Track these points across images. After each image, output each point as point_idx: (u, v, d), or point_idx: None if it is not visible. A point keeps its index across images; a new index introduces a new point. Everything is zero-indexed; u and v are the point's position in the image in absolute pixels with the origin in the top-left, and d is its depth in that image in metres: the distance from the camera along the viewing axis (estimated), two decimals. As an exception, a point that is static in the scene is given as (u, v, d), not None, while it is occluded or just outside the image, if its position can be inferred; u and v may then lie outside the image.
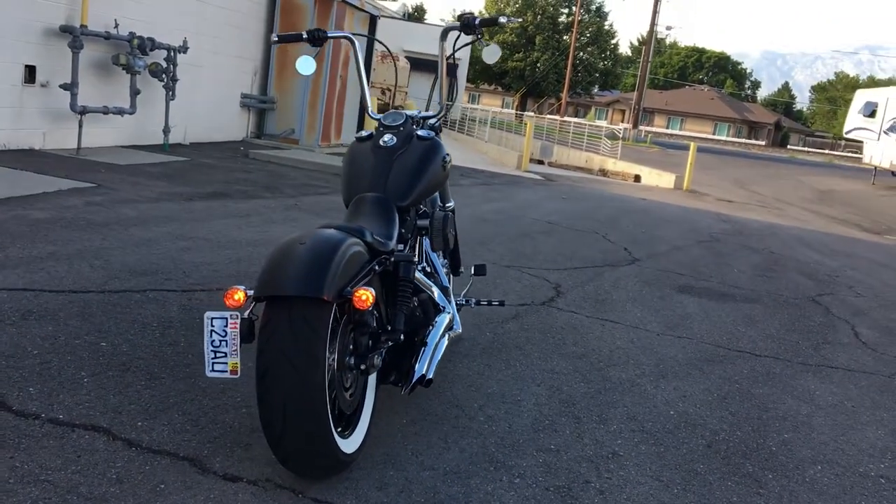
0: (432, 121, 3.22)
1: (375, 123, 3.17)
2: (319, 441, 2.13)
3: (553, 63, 42.11)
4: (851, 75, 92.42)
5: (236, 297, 2.19)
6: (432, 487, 2.36)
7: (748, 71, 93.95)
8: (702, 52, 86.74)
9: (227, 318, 2.18)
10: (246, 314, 2.21)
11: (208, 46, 10.39)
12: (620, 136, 23.38)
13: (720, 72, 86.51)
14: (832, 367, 4.32)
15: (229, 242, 5.22)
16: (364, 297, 2.13)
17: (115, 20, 8.36)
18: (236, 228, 5.72)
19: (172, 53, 9.20)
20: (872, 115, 26.56)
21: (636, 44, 76.22)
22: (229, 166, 9.12)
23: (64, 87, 7.81)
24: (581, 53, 45.13)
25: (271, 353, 2.07)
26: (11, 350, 2.95)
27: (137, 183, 6.96)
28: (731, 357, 4.27)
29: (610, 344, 4.18)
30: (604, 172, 20.51)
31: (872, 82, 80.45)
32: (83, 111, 7.97)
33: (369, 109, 3.33)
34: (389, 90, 27.23)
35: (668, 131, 66.40)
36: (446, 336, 2.81)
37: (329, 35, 3.27)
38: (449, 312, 2.88)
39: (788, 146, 70.74)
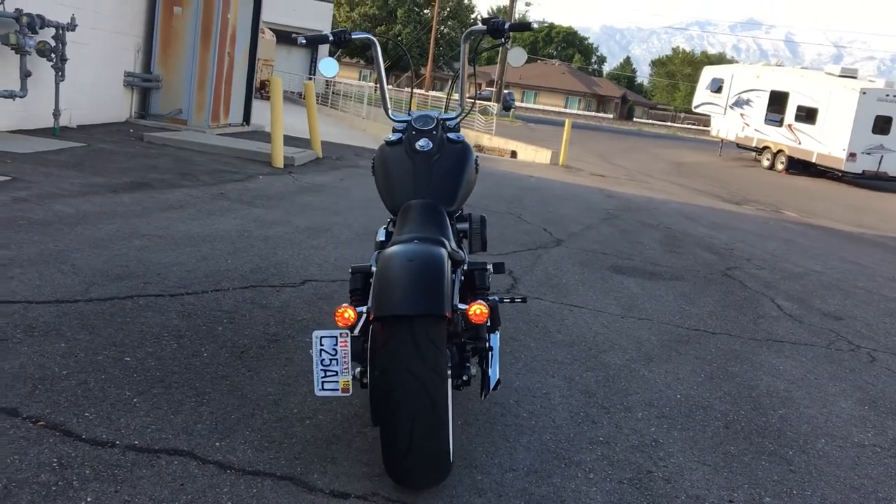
0: (452, 122, 3.25)
1: (398, 124, 3.16)
2: (443, 455, 2.18)
3: (416, 37, 42.17)
4: (686, 50, 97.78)
5: (346, 315, 2.19)
6: (523, 489, 2.46)
7: (595, 46, 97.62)
8: (551, 27, 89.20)
9: (336, 337, 2.19)
10: (356, 331, 2.22)
11: (90, 22, 9.75)
12: (494, 112, 23.85)
13: (568, 46, 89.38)
14: (778, 342, 4.72)
15: (183, 239, 5.03)
16: (479, 312, 2.20)
17: (1, -5, 7.73)
18: (180, 222, 5.50)
19: (61, 31, 8.59)
20: (719, 90, 28.39)
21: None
22: (129, 151, 8.66)
23: (-49, 68, 7.16)
24: (442, 27, 45.44)
25: (398, 372, 2.09)
26: (39, 372, 2.78)
27: (50, 174, 6.52)
28: (694, 336, 4.58)
29: (588, 330, 4.38)
30: (480, 148, 20.88)
31: (706, 57, 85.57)
32: (-27, 95, 7.35)
33: (389, 112, 3.31)
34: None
35: (524, 105, 68.01)
36: (496, 337, 2.89)
37: (353, 36, 3.22)
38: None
39: (634, 119, 74.27)
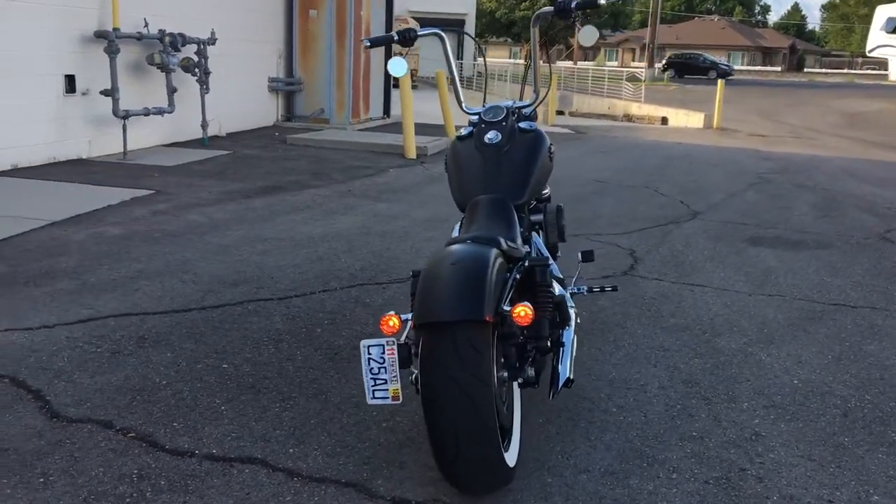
0: (527, 110, 3.16)
1: (472, 117, 3.13)
2: (492, 461, 2.13)
3: (562, 9, 41.29)
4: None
5: (391, 323, 2.17)
6: (595, 492, 2.36)
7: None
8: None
9: (383, 345, 2.18)
10: (402, 339, 2.20)
11: (231, 34, 10.29)
12: (643, 78, 23.07)
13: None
14: (931, 313, 4.26)
15: (303, 240, 5.21)
16: (524, 314, 2.11)
17: (145, 19, 8.28)
18: (303, 224, 5.71)
19: (202, 46, 9.12)
20: (895, 31, 25.99)
21: (640, -21, 74.59)
22: (271, 155, 9.09)
23: (105, 93, 7.78)
24: (588, -4, 44.21)
25: (440, 380, 2.06)
26: (141, 383, 2.97)
27: (192, 184, 6.96)
28: (829, 312, 4.22)
29: (706, 311, 4.14)
30: (629, 118, 20.27)
31: (886, -6, 78.37)
32: (126, 115, 7.95)
33: (463, 104, 3.26)
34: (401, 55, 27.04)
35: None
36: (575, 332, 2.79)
37: (419, 33, 3.20)
38: (573, 306, 2.85)
39: (805, 69, 69.38)
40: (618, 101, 21.63)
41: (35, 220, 5.28)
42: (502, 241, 2.39)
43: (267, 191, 6.91)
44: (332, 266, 4.65)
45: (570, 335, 2.63)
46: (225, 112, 10.34)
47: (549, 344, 2.44)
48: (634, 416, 2.88)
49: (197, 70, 9.11)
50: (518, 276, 2.41)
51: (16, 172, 6.99)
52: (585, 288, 3.30)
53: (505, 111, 3.02)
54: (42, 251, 4.66)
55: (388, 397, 2.20)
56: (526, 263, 2.52)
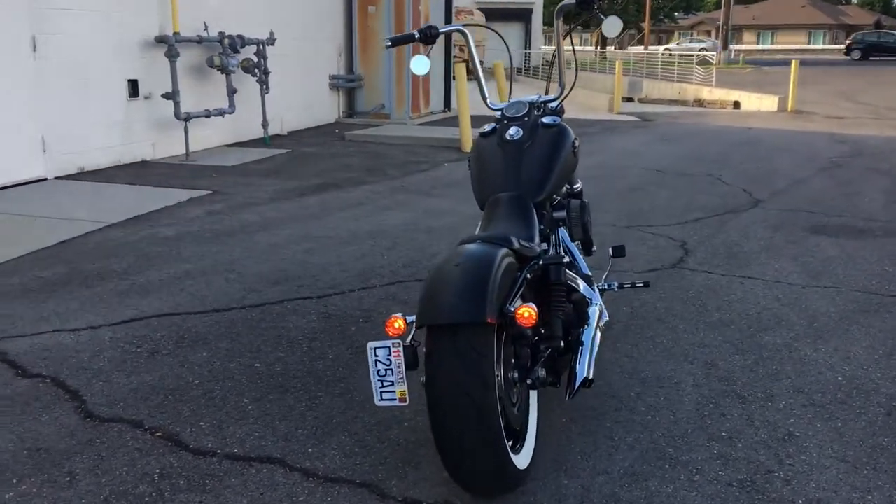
0: (553, 104, 3.11)
1: (495, 113, 3.10)
2: (497, 463, 2.11)
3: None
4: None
5: (396, 325, 2.18)
6: (611, 494, 2.31)
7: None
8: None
9: (389, 347, 2.18)
10: (408, 341, 2.20)
11: (291, 33, 10.44)
12: (713, 61, 22.42)
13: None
14: None
15: (349, 237, 5.26)
16: (527, 315, 2.08)
17: (205, 23, 8.49)
18: (353, 220, 5.76)
19: (262, 47, 9.29)
20: None
21: (715, -41, 72.51)
22: (330, 152, 9.20)
23: (166, 96, 8.00)
24: (660, -22, 43.52)
25: (442, 382, 2.05)
26: (175, 383, 3.05)
27: (249, 183, 7.10)
28: (887, 304, 4.03)
29: (755, 305, 4.01)
30: (700, 102, 19.71)
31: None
32: (187, 117, 8.17)
33: (487, 101, 3.23)
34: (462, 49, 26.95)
35: (760, 47, 63.26)
36: (599, 330, 2.73)
37: (441, 31, 3.18)
38: (597, 304, 2.80)
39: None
40: (688, 86, 21.03)
41: (94, 222, 5.48)
42: (514, 240, 2.35)
43: (321, 188, 7.00)
44: (374, 263, 4.67)
45: (589, 334, 2.58)
46: (286, 110, 10.52)
47: (563, 344, 2.40)
48: (663, 416, 2.81)
49: (257, 70, 9.29)
50: (529, 276, 2.37)
51: (82, 175, 7.27)
52: (616, 284, 3.23)
53: (528, 107, 2.98)
54: (98, 252, 4.82)
55: (395, 399, 2.20)
56: (540, 262, 2.48)
